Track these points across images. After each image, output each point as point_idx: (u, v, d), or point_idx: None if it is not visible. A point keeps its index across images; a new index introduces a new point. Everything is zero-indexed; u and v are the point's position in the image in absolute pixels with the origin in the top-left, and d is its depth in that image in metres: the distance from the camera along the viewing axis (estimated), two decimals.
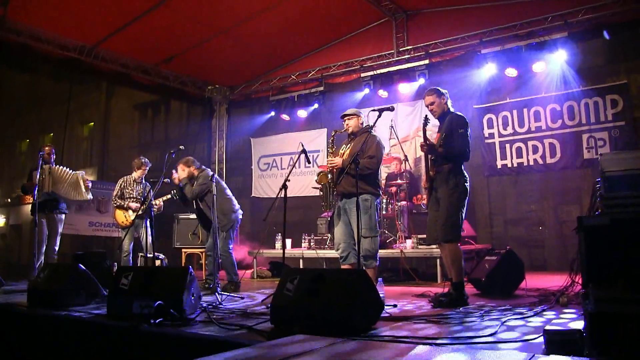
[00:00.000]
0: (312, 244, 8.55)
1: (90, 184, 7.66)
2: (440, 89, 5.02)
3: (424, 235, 6.89)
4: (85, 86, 15.67)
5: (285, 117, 11.03)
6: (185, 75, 11.20)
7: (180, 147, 6.18)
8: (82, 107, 17.19)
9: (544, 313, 3.97)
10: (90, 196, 7.69)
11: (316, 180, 5.45)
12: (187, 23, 9.07)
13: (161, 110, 14.86)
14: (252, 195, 11.66)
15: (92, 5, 8.25)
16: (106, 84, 15.39)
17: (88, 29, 8.95)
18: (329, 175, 5.25)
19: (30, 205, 7.09)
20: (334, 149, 5.39)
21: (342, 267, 5.22)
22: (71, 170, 7.62)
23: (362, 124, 5.38)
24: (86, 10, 8.39)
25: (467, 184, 4.79)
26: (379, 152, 5.15)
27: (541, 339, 2.78)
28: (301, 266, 8.03)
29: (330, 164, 5.23)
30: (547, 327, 2.67)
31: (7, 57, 9.24)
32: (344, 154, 5.27)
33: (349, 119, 5.36)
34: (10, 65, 11.31)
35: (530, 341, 2.93)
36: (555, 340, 2.50)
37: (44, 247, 7.24)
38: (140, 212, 7.31)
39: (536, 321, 3.65)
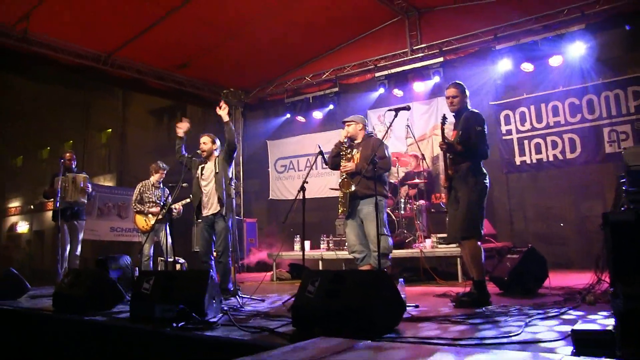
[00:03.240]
0: (331, 245, 8.49)
1: (89, 189, 7.58)
2: (465, 86, 4.96)
3: (444, 235, 6.86)
4: (102, 93, 15.84)
5: (300, 119, 10.99)
6: (200, 80, 11.19)
7: (198, 151, 6.17)
8: (100, 114, 17.49)
9: (571, 312, 3.86)
10: (82, 199, 7.54)
11: (340, 187, 5.39)
12: (200, 28, 9.10)
13: (177, 115, 14.85)
14: (270, 197, 11.65)
15: (106, 15, 8.35)
16: (122, 91, 15.49)
17: (103, 38, 9.04)
18: (352, 187, 5.23)
19: (51, 212, 7.13)
20: (348, 154, 5.42)
21: (360, 268, 5.20)
22: (85, 174, 7.78)
23: (366, 129, 5.44)
24: (101, 20, 8.49)
25: (487, 182, 4.72)
26: (388, 153, 5.26)
27: (570, 340, 2.70)
28: (320, 267, 8.02)
29: (344, 169, 5.27)
30: (576, 327, 2.59)
31: (28, 68, 9.54)
32: (352, 158, 5.32)
33: (347, 125, 5.46)
34: (30, 76, 11.53)
35: (558, 341, 2.84)
36: (585, 341, 2.41)
37: (67, 252, 7.30)
38: (160, 217, 7.31)
39: (562, 319, 3.55)
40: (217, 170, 5.95)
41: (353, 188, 5.16)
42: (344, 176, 5.34)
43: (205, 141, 6.16)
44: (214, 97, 11.55)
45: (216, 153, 6.17)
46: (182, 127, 6.33)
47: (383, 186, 5.23)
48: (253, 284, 7.39)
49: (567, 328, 3.17)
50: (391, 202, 8.07)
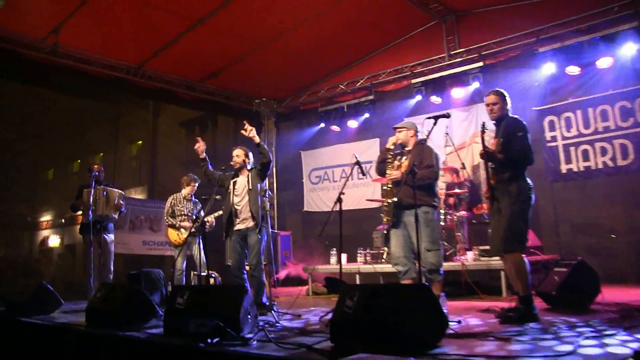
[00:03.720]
0: (368, 258, 8.42)
1: (123, 207, 7.69)
2: (505, 93, 4.91)
3: (487, 247, 6.74)
4: (133, 105, 16.04)
5: (335, 128, 10.93)
6: (231, 90, 11.19)
7: (232, 163, 6.21)
8: (130, 127, 17.70)
9: (629, 330, 3.68)
10: (113, 215, 7.64)
11: (384, 195, 5.49)
12: (230, 37, 9.15)
13: (208, 126, 14.95)
14: (304, 209, 11.64)
15: (135, 26, 8.52)
16: (152, 103, 15.59)
17: (132, 49, 9.21)
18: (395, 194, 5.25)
19: (79, 226, 7.22)
20: (395, 162, 5.41)
21: (402, 282, 5.15)
22: (117, 190, 7.85)
23: (417, 136, 5.40)
24: (130, 31, 8.69)
25: (531, 192, 4.64)
26: (437, 162, 5.18)
27: None
28: (358, 282, 7.93)
29: (389, 177, 5.26)
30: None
31: (58, 81, 9.75)
32: (401, 166, 5.29)
33: (398, 131, 5.44)
34: (61, 89, 11.80)
35: None
36: None
37: (97, 266, 7.34)
38: (192, 230, 7.37)
39: (620, 340, 3.39)
40: (250, 187, 5.97)
41: (396, 198, 5.14)
42: (390, 184, 5.33)
43: (238, 154, 6.18)
44: (247, 107, 11.58)
45: (249, 166, 6.19)
46: (200, 148, 6.35)
47: (431, 195, 5.16)
48: (288, 299, 7.36)
49: (626, 350, 3.03)
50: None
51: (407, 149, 5.43)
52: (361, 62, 10.58)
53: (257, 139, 5.93)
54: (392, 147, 5.46)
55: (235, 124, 13.54)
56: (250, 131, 5.94)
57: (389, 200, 5.23)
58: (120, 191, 7.88)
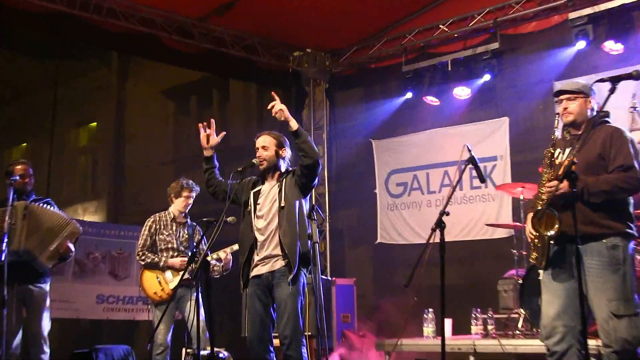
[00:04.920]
0: (490, 327, 7.16)
1: (71, 251, 6.32)
2: None
3: None
4: (82, 62, 13.74)
5: (431, 100, 8.95)
6: (251, 35, 9.19)
7: (254, 160, 5.19)
8: (78, 98, 15.19)
9: None
10: (47, 263, 6.26)
11: (533, 220, 4.50)
12: None
13: (212, 98, 13.05)
14: (378, 241, 9.80)
15: None
16: (117, 58, 13.68)
17: None
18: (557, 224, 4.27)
19: None
20: (552, 158, 4.60)
21: None
22: (61, 212, 6.40)
23: (592, 110, 4.51)
24: None
25: None
26: (638, 157, 4.40)
27: None
28: None
29: (549, 188, 4.33)
30: None
31: None
32: (563, 164, 4.44)
33: (569, 100, 4.51)
34: None
35: None
36: None
37: (17, 341, 5.98)
38: (186, 275, 6.03)
39: None
40: (282, 203, 5.09)
41: (556, 227, 4.22)
42: (544, 201, 4.41)
43: (265, 143, 5.26)
44: (278, 65, 9.73)
45: (283, 166, 5.28)
46: (210, 139, 5.40)
47: (624, 218, 4.30)
48: None
49: None
50: None
51: (573, 132, 4.54)
52: None
53: (293, 124, 5.04)
54: (555, 136, 4.60)
55: (259, 95, 11.58)
56: (278, 110, 4.99)
57: (546, 233, 4.31)
58: (66, 216, 6.43)
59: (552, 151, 4.41)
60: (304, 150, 5.02)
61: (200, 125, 5.33)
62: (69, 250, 6.16)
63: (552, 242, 4.28)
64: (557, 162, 4.41)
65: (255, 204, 5.17)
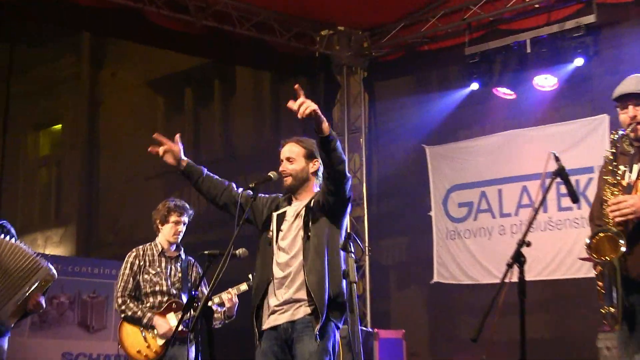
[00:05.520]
0: None
1: (43, 300, 5.60)
2: None
3: None
4: (44, 48, 12.88)
5: (504, 92, 8.03)
6: (265, 10, 8.30)
7: (271, 173, 4.58)
8: (36, 93, 14.12)
9: None
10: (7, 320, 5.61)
11: (588, 250, 4.19)
12: None
13: (213, 91, 11.41)
14: (434, 280, 8.79)
15: None
16: (89, 40, 12.73)
17: None
18: (622, 245, 3.93)
19: None
20: (618, 173, 4.19)
21: None
22: (28, 249, 5.61)
23: None
24: None
25: None
26: None
27: None
28: None
29: (618, 208, 3.98)
30: None
31: None
32: (635, 183, 4.15)
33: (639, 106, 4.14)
34: None
35: None
36: None
37: None
38: (182, 327, 5.30)
39: None
40: (309, 231, 4.43)
41: (621, 249, 4.02)
42: (609, 228, 4.06)
43: (291, 154, 4.65)
44: (301, 48, 8.71)
45: (316, 184, 4.61)
46: (176, 153, 4.61)
47: None
48: None
49: None
50: None
51: (638, 144, 4.13)
52: None
53: (325, 127, 4.12)
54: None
55: (273, 86, 10.48)
56: (305, 107, 4.01)
57: (606, 259, 4.06)
58: (33, 254, 5.61)
59: (614, 167, 3.99)
60: (331, 160, 4.20)
61: (150, 148, 4.44)
62: (40, 307, 5.43)
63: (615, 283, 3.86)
64: (623, 182, 4.07)
65: (278, 230, 4.48)
